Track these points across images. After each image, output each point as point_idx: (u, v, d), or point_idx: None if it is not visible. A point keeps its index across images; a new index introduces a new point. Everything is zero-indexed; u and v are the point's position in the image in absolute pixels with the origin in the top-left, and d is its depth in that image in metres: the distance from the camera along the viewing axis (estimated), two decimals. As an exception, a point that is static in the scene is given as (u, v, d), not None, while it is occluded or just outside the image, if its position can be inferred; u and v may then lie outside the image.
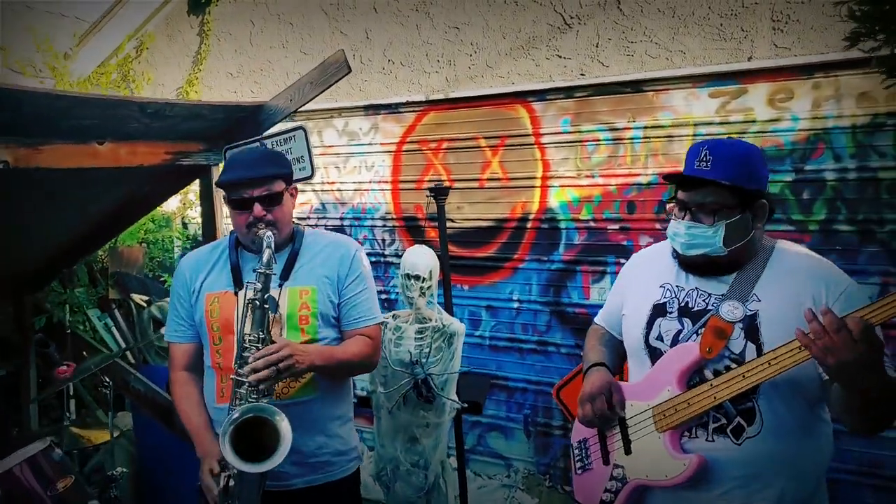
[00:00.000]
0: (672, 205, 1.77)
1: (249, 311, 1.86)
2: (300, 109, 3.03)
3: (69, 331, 3.87)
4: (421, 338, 2.86)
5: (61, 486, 2.23)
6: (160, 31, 5.46)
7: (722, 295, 1.72)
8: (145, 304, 4.11)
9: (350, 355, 2.06)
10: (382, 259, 4.49)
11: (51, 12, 5.03)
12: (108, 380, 2.83)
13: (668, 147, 3.56)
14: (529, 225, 4.00)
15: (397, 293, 4.06)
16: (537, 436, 4.06)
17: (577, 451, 2.02)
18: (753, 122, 3.31)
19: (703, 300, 1.75)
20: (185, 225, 5.17)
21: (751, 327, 1.66)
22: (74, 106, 2.33)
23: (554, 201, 3.92)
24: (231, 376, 1.88)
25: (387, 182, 4.45)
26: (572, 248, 3.88)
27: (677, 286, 1.81)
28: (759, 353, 1.63)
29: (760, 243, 1.75)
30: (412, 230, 4.39)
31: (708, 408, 1.67)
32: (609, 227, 3.75)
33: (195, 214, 5.11)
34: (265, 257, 1.87)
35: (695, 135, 3.43)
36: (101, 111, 2.43)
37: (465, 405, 2.93)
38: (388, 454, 2.90)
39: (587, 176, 3.80)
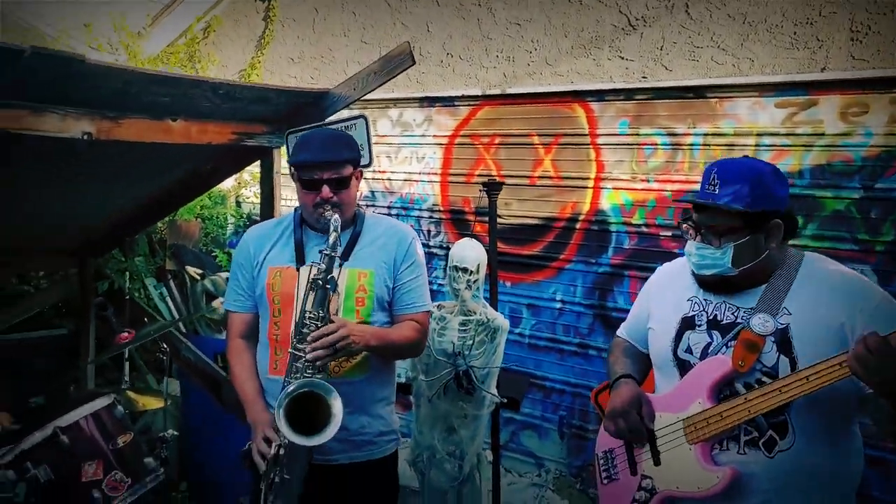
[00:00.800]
0: (686, 225, 1.79)
1: (312, 290, 1.93)
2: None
3: (127, 297, 4.03)
4: (464, 330, 2.90)
5: (121, 441, 2.36)
6: (227, 15, 5.61)
7: (751, 308, 1.73)
8: (199, 277, 4.25)
9: (402, 339, 2.13)
10: (427, 249, 4.54)
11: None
12: (165, 346, 2.94)
13: (728, 156, 3.51)
14: (578, 226, 4.00)
15: (440, 284, 4.11)
16: (571, 438, 4.07)
17: (602, 462, 2.03)
18: (822, 135, 3.24)
19: (732, 313, 1.76)
20: (238, 204, 5.31)
21: (783, 340, 1.67)
22: (153, 83, 2.43)
23: (606, 203, 3.91)
24: (289, 350, 1.95)
25: (436, 174, 4.50)
26: (621, 252, 3.87)
27: (705, 299, 1.82)
28: (793, 366, 1.64)
29: (783, 257, 1.75)
30: (458, 223, 4.44)
31: (741, 421, 1.68)
32: (661, 234, 3.74)
33: (249, 194, 5.25)
34: (332, 240, 1.93)
35: (757, 145, 3.39)
36: (176, 89, 2.52)
37: (504, 400, 2.96)
38: (426, 441, 2.95)
39: (642, 180, 3.78)
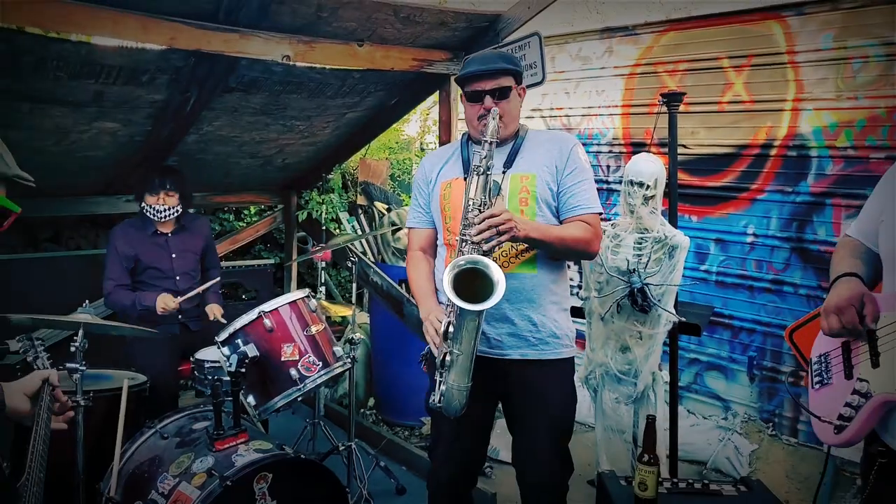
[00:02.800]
0: None
1: (475, 176, 2.00)
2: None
3: (324, 228, 4.43)
4: (640, 247, 2.83)
5: (314, 329, 2.64)
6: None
7: None
8: (385, 212, 4.56)
9: (568, 235, 2.13)
10: (606, 185, 4.44)
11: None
12: (353, 257, 3.20)
13: (958, 62, 3.04)
14: (774, 152, 3.68)
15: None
16: (762, 380, 3.80)
17: (815, 366, 1.88)
18: None
19: None
20: (422, 149, 5.56)
21: None
22: (340, 6, 2.63)
23: (806, 126, 3.55)
24: (457, 237, 2.04)
25: (617, 106, 4.36)
26: (824, 178, 3.50)
27: None
28: None
29: None
30: (640, 157, 4.27)
31: None
32: (872, 156, 3.32)
33: (431, 139, 5.48)
34: (491, 126, 2.01)
35: None
36: (361, 13, 2.71)
37: (683, 319, 2.85)
38: (598, 359, 2.94)
39: (849, 98, 3.38)
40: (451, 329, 1.95)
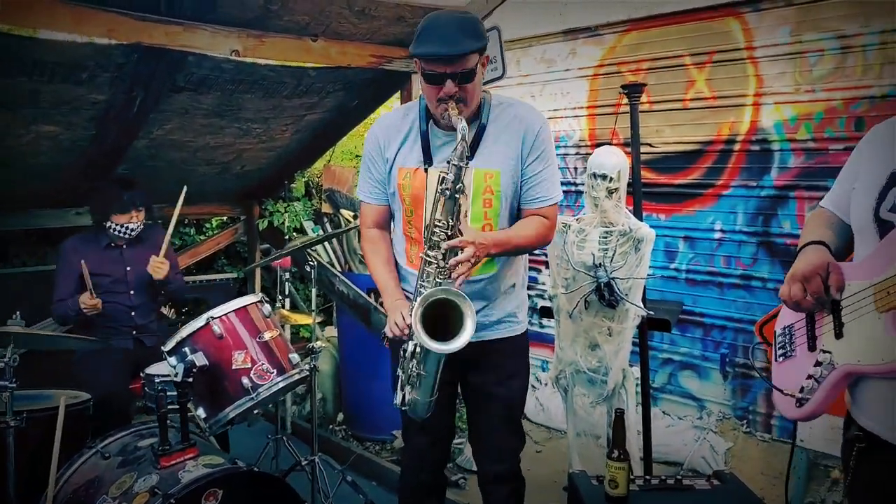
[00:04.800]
0: None
1: (441, 198, 1.90)
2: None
3: (287, 237, 4.31)
4: (606, 241, 2.77)
5: (268, 335, 2.51)
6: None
7: None
8: (352, 220, 4.45)
9: (524, 239, 2.09)
10: (574, 188, 4.40)
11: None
12: (312, 262, 3.10)
13: (913, 51, 3.05)
14: (737, 147, 3.67)
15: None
16: (735, 377, 3.76)
17: (779, 339, 1.81)
18: None
19: None
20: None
21: None
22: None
23: (767, 120, 3.55)
24: (420, 254, 1.96)
25: (582, 108, 4.34)
26: (786, 171, 3.50)
27: None
28: None
29: None
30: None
31: None
32: (831, 147, 3.33)
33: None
34: (459, 149, 1.86)
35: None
36: (313, 5, 2.63)
37: (651, 313, 2.78)
38: (567, 357, 2.86)
39: (807, 91, 3.39)
40: (417, 350, 1.91)
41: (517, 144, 2.08)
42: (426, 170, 2.07)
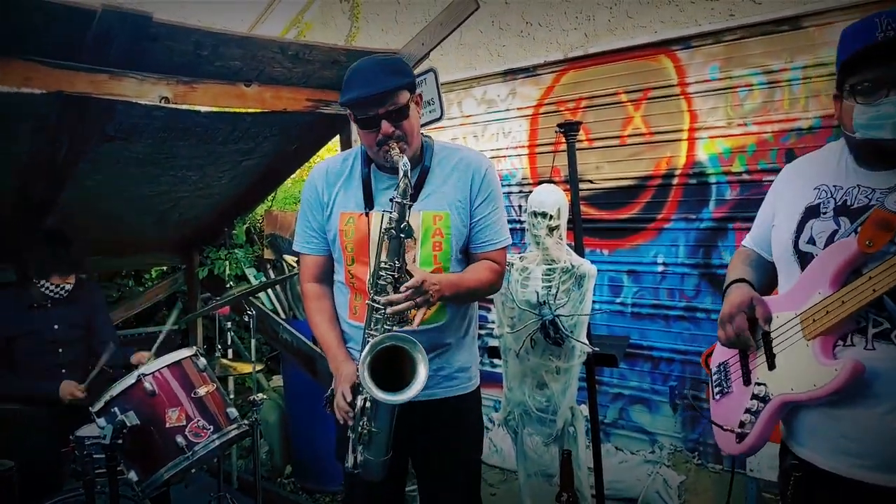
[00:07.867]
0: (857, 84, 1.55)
1: (386, 240, 1.83)
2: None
3: (229, 285, 4.19)
4: (549, 279, 2.76)
5: (203, 390, 2.40)
6: (316, 19, 5.85)
7: (888, 188, 1.48)
8: (295, 265, 4.37)
9: (476, 283, 2.02)
10: (519, 226, 4.42)
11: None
12: (250, 310, 3.01)
13: (832, 87, 3.17)
14: (675, 181, 3.75)
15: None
16: (685, 409, 3.77)
17: (715, 376, 1.84)
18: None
19: (866, 196, 1.51)
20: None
21: None
22: (221, 44, 2.50)
23: (702, 154, 3.65)
24: (367, 301, 1.87)
25: (524, 147, 4.39)
26: (724, 203, 3.59)
27: (835, 186, 1.58)
28: None
29: None
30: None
31: (865, 303, 1.42)
32: (765, 179, 3.42)
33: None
34: (402, 187, 1.80)
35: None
36: (244, 51, 2.59)
37: (596, 349, 2.77)
38: (516, 398, 2.81)
39: (739, 125, 3.50)
40: (367, 405, 1.82)
41: (465, 186, 2.03)
42: (367, 214, 2.01)
